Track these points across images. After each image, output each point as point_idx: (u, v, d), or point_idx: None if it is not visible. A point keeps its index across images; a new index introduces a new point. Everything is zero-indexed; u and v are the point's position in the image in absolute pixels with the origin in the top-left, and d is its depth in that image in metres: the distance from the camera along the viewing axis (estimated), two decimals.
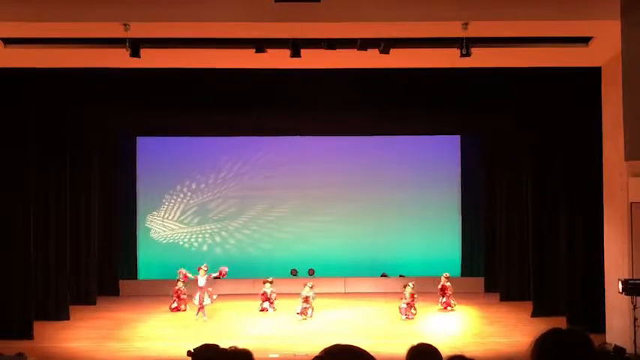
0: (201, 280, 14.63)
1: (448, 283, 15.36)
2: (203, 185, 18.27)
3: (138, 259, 17.96)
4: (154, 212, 18.21)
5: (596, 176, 12.46)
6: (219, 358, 2.62)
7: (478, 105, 14.77)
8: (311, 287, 14.60)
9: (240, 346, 2.68)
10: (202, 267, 14.88)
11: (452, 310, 15.19)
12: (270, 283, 15.46)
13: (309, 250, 17.84)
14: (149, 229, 18.20)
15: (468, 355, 3.63)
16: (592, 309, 12.53)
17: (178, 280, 15.57)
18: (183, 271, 15.10)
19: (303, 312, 14.34)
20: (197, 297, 14.54)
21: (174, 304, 15.36)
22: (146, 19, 9.80)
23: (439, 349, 3.81)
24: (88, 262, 15.98)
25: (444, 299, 15.31)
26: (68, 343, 12.53)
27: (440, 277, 15.64)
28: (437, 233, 18.12)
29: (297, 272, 17.69)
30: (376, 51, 10.56)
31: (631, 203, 11.39)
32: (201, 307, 14.49)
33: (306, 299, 14.39)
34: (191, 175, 18.27)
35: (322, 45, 10.58)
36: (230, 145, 18.24)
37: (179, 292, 15.40)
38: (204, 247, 18.25)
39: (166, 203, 18.23)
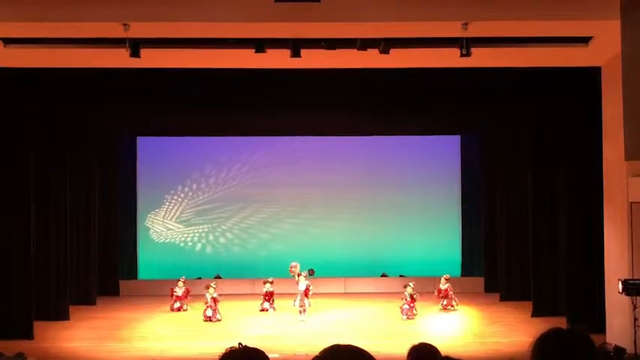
0: (302, 285, 14.30)
1: (447, 285, 15.33)
2: (203, 185, 18.26)
3: (138, 259, 17.94)
4: (154, 212, 18.20)
5: (596, 176, 12.46)
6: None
7: (478, 105, 14.78)
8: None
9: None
10: (303, 273, 14.43)
11: (453, 309, 15.17)
12: (271, 283, 15.45)
13: (309, 250, 17.83)
14: (149, 229, 18.19)
15: (468, 355, 3.64)
16: (592, 309, 12.53)
17: (179, 280, 15.58)
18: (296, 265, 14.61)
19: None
20: (297, 301, 14.23)
21: (177, 305, 15.34)
22: (146, 19, 9.80)
23: (439, 349, 3.82)
24: (88, 262, 15.97)
25: (445, 301, 15.28)
26: (68, 343, 12.54)
27: (440, 277, 15.64)
28: (437, 233, 18.11)
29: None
30: (376, 51, 10.56)
31: (631, 203, 11.39)
32: (303, 310, 14.26)
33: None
34: (191, 175, 18.27)
35: (322, 45, 10.58)
36: (230, 145, 18.23)
37: (184, 294, 15.39)
38: (205, 247, 18.25)
39: (166, 203, 18.22)
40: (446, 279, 15.43)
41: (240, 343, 2.64)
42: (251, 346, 2.65)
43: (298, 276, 14.52)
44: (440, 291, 15.30)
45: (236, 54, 11.13)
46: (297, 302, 14.31)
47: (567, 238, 13.54)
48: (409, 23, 9.96)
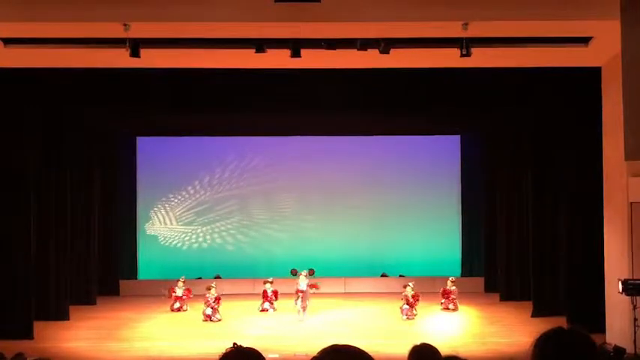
0: (303, 285, 14.42)
1: (454, 287, 15.33)
2: (203, 185, 18.27)
3: (138, 259, 17.97)
4: (154, 212, 18.20)
5: (596, 176, 12.46)
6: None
7: (478, 105, 14.78)
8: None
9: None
10: (304, 273, 14.69)
11: (453, 310, 15.16)
12: (271, 283, 15.46)
13: (309, 250, 17.84)
14: (149, 229, 18.20)
15: (468, 355, 3.64)
16: (592, 309, 12.52)
17: (178, 281, 15.59)
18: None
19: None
20: (299, 301, 14.31)
21: (177, 304, 15.34)
22: (146, 19, 9.80)
23: (439, 350, 3.82)
24: (88, 262, 15.97)
25: (444, 300, 15.29)
26: (68, 343, 12.54)
27: (439, 277, 15.62)
28: (437, 233, 18.12)
29: (297, 272, 17.66)
30: (376, 51, 10.55)
31: (631, 203, 11.39)
32: (303, 309, 14.29)
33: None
34: (191, 175, 18.27)
35: (322, 45, 10.58)
36: (230, 145, 18.24)
37: (184, 294, 15.39)
38: (205, 247, 18.25)
39: (166, 203, 18.23)
40: (452, 281, 15.43)
41: (234, 343, 2.63)
42: (251, 346, 2.65)
43: (299, 276, 14.58)
44: (445, 291, 15.30)
45: (236, 54, 11.12)
46: (300, 302, 14.32)
47: (567, 238, 13.55)
48: (409, 23, 9.96)
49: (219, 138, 18.13)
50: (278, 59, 11.01)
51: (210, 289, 14.59)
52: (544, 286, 14.45)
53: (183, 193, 18.26)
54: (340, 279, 17.53)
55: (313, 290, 14.55)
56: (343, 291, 17.34)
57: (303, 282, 14.44)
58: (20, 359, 10.66)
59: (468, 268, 17.93)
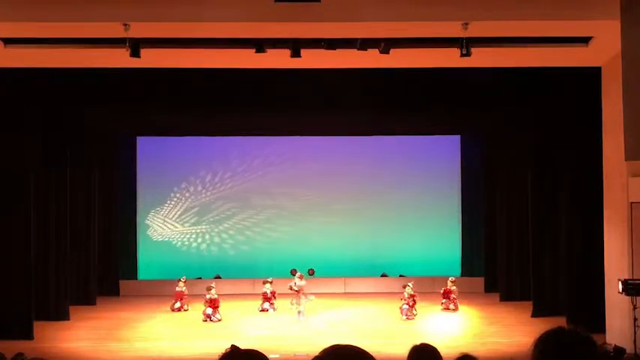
0: (297, 285, 14.56)
1: (454, 287, 15.34)
2: (203, 185, 18.26)
3: (138, 259, 17.95)
4: (154, 212, 18.20)
5: (596, 176, 12.47)
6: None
7: (478, 105, 14.78)
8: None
9: (240, 346, 2.67)
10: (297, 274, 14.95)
11: (454, 310, 15.15)
12: (270, 283, 15.46)
13: (309, 250, 17.84)
14: (149, 229, 18.19)
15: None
16: (592, 309, 12.53)
17: (179, 281, 15.60)
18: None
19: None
20: (295, 301, 14.42)
21: (177, 304, 15.34)
22: (146, 19, 9.80)
23: (439, 350, 3.82)
24: (88, 262, 15.97)
25: (444, 300, 15.29)
26: (68, 343, 12.54)
27: (439, 277, 15.61)
28: (437, 233, 18.11)
29: (297, 272, 17.67)
30: (376, 51, 10.56)
31: (631, 203, 11.39)
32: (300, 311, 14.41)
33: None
34: (191, 175, 18.26)
35: (322, 45, 10.59)
36: (230, 145, 18.23)
37: (182, 294, 15.40)
38: (205, 247, 18.25)
39: (166, 203, 18.22)
40: (452, 281, 15.43)
41: (232, 345, 2.63)
42: (251, 346, 2.65)
43: (300, 278, 14.62)
44: (446, 291, 15.30)
45: (236, 54, 11.13)
46: (297, 302, 14.36)
47: (567, 238, 13.55)
48: (409, 23, 9.96)
49: (219, 138, 18.12)
50: (278, 59, 11.02)
51: (210, 290, 14.59)
52: (544, 286, 14.45)
53: (184, 193, 18.25)
54: (340, 279, 17.53)
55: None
56: (343, 291, 17.34)
57: (298, 282, 14.52)
58: (20, 359, 10.66)
59: (468, 268, 17.91)
